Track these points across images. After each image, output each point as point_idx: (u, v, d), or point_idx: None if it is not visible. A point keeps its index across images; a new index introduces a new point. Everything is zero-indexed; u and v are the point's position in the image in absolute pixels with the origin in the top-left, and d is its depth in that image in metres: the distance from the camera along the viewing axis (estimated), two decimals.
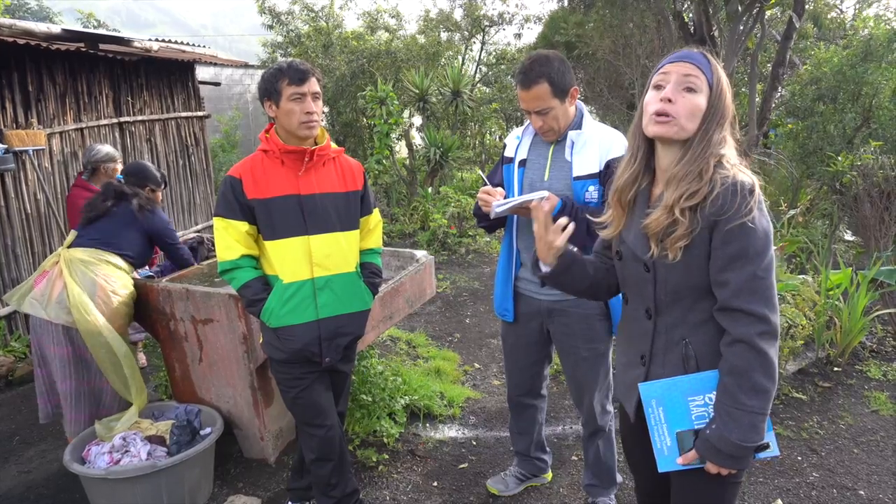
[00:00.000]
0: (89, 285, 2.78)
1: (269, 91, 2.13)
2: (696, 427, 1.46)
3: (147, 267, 3.53)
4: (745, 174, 1.40)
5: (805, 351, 3.94)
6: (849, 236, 6.05)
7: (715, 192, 1.37)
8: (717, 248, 1.39)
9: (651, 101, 1.46)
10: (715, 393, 1.44)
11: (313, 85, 2.12)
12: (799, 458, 2.97)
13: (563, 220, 1.61)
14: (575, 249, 1.69)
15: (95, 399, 2.85)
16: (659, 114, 1.43)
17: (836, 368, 3.81)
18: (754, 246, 1.36)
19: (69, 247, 2.90)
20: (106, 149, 3.79)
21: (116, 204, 2.99)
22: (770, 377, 1.37)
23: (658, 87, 1.45)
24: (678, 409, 1.48)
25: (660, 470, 1.50)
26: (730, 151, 1.43)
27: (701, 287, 1.44)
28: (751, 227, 1.35)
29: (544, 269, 1.69)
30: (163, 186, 3.28)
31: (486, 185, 2.28)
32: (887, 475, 2.82)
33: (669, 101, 1.41)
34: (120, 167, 3.75)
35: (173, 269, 3.30)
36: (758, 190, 1.38)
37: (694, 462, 1.45)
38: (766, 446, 1.41)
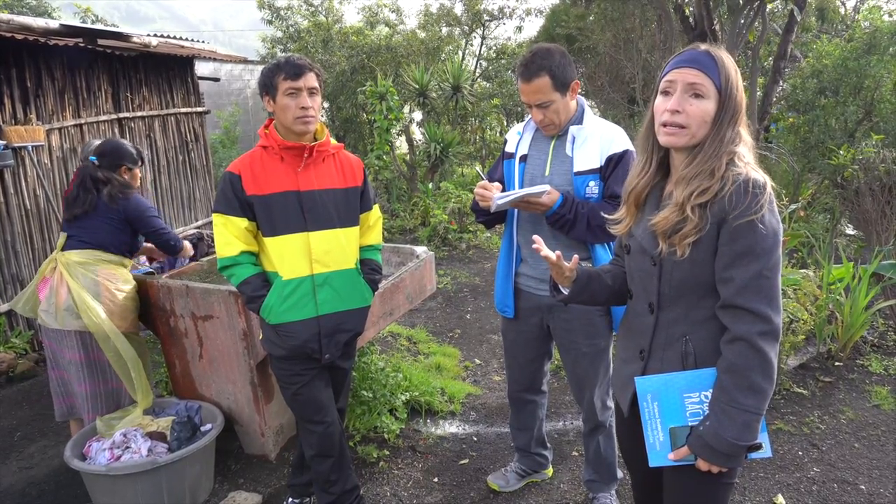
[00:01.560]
0: (92, 287, 2.76)
1: (267, 86, 2.12)
2: (690, 423, 1.45)
3: (147, 263, 3.53)
4: (757, 173, 1.39)
5: (806, 345, 3.93)
6: (850, 230, 6.03)
7: (726, 188, 1.37)
8: (725, 244, 1.38)
9: (659, 108, 1.45)
10: (711, 391, 1.43)
11: (310, 80, 2.11)
12: (800, 452, 2.96)
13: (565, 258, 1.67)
14: (589, 266, 1.70)
15: (115, 399, 2.84)
16: (667, 125, 1.43)
17: (837, 363, 3.81)
18: (762, 244, 1.35)
19: (63, 249, 2.83)
20: None
21: (96, 196, 2.81)
22: (768, 377, 1.36)
23: (666, 93, 1.45)
24: (673, 404, 1.47)
25: (650, 464, 1.50)
26: (743, 149, 1.42)
27: (705, 284, 1.44)
28: (759, 225, 1.34)
29: (564, 291, 1.74)
30: (140, 163, 2.99)
31: (483, 180, 2.28)
32: (888, 470, 2.82)
33: (677, 111, 1.41)
34: None
35: (172, 265, 3.29)
36: (769, 189, 1.37)
37: (685, 458, 1.45)
38: (759, 447, 1.41)
